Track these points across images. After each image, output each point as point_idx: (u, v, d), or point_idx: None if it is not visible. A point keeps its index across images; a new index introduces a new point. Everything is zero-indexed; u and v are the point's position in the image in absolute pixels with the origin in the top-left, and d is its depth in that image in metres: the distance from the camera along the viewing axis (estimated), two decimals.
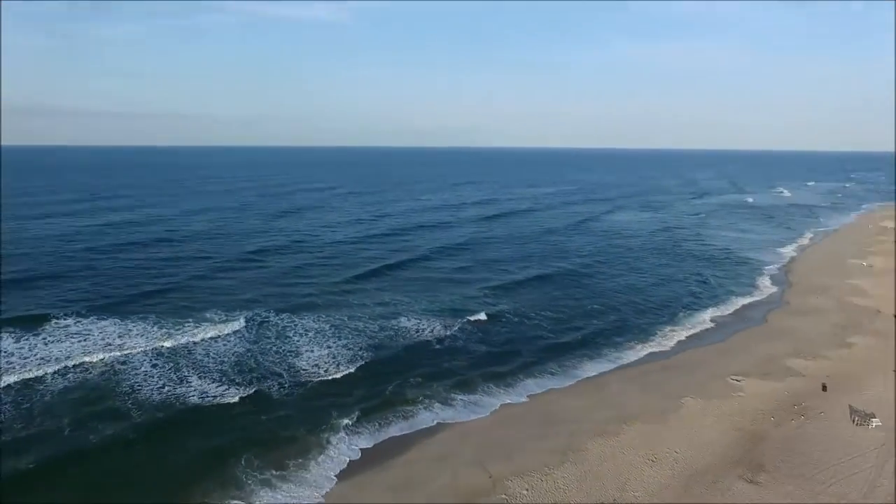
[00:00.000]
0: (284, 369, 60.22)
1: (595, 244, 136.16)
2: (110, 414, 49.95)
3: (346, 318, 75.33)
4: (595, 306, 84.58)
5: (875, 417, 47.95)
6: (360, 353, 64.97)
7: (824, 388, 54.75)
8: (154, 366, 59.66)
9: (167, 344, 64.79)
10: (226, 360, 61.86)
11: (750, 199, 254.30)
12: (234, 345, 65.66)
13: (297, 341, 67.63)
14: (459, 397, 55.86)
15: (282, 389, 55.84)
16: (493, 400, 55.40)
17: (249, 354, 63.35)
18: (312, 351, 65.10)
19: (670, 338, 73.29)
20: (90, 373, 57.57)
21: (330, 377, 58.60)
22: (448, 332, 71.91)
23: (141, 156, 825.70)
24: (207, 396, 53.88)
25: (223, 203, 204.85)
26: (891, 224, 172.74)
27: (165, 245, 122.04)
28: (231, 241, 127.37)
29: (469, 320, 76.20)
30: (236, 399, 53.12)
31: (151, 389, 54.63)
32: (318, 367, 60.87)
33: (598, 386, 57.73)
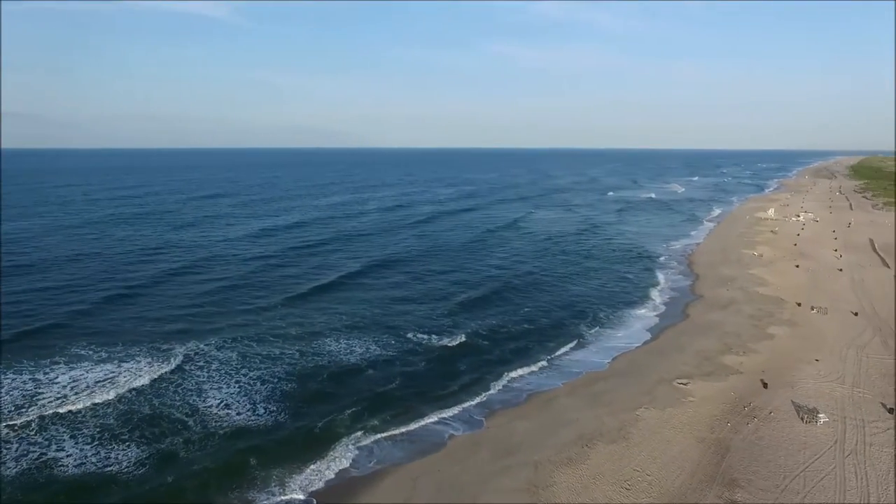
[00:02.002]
0: (188, 414, 50.41)
1: (514, 247, 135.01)
2: None
3: (261, 345, 66.01)
4: (522, 312, 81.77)
5: (820, 413, 48.34)
6: (279, 385, 56.45)
7: (764, 385, 55.10)
8: (13, 428, 47.28)
9: (31, 400, 52.17)
10: (115, 413, 50.65)
11: (653, 195, 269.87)
12: (127, 392, 54.27)
13: (205, 378, 57.49)
14: (402, 430, 49.57)
15: (189, 444, 46.26)
16: (441, 429, 49.76)
17: (145, 403, 52.50)
18: (221, 388, 55.48)
19: (603, 340, 72.10)
20: None
21: (245, 420, 49.74)
22: (381, 354, 65.17)
23: None
24: (89, 464, 43.11)
25: (90, 216, 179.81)
26: (763, 215, 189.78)
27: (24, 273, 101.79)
28: (113, 264, 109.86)
29: (403, 338, 69.94)
30: (128, 464, 42.94)
31: (12, 460, 42.77)
32: (230, 409, 51.64)
33: (546, 402, 54.04)
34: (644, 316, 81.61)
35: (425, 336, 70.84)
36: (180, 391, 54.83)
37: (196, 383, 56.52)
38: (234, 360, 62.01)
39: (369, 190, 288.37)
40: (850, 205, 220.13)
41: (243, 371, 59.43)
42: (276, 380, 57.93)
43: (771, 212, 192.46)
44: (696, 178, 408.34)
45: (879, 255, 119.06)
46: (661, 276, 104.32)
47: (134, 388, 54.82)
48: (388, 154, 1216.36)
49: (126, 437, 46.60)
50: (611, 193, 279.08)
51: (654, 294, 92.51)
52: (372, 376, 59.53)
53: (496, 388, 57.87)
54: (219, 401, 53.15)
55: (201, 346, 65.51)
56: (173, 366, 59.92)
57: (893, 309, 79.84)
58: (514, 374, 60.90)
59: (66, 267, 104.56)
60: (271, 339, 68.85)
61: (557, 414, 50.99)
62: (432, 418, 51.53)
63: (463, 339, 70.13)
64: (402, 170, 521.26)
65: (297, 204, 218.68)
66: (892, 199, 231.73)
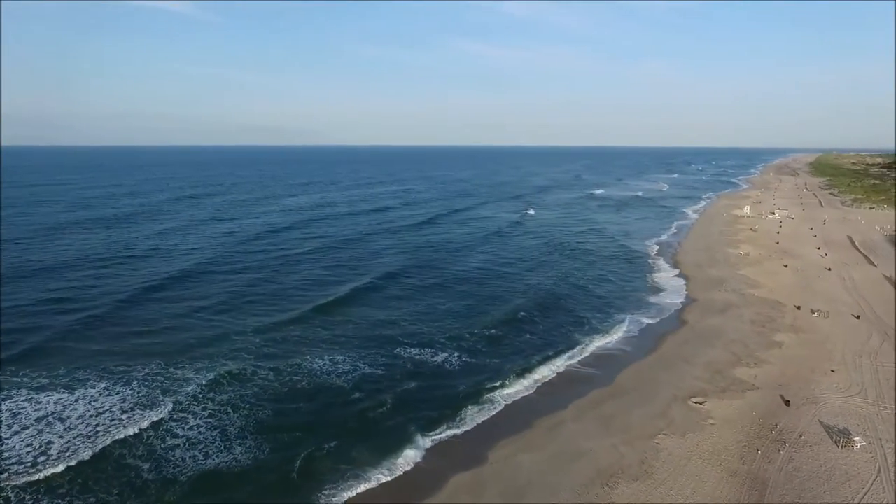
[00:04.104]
0: (145, 457, 42.93)
1: (506, 249, 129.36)
2: None
3: (234, 363, 58.34)
4: (517, 321, 75.91)
5: (855, 436, 44.12)
6: (254, 412, 49.32)
7: (786, 402, 50.79)
8: None
9: None
10: (54, 455, 42.72)
11: (640, 193, 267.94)
12: (71, 431, 46.28)
13: (170, 409, 49.73)
14: (393, 468, 43.08)
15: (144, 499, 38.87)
16: (439, 464, 43.48)
17: (87, 445, 44.63)
18: (187, 421, 47.96)
19: (603, 349, 66.99)
20: None
21: (216, 464, 42.52)
22: (368, 372, 58.47)
23: None
24: None
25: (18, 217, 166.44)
26: (739, 212, 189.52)
27: None
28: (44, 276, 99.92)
29: (391, 354, 63.31)
30: None
31: None
32: (196, 449, 44.27)
33: (553, 429, 48.42)
34: (641, 322, 76.95)
35: (416, 351, 64.51)
36: (138, 427, 47.12)
37: (159, 417, 48.83)
38: (203, 384, 54.45)
39: (336, 190, 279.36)
40: (820, 202, 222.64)
41: (212, 396, 52.13)
42: (249, 406, 50.91)
43: (746, 209, 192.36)
44: (675, 176, 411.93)
45: (862, 253, 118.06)
46: (652, 279, 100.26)
47: (78, 427, 46.85)
48: (355, 153, 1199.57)
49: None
50: (599, 191, 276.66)
51: (649, 298, 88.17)
52: (358, 400, 52.92)
53: (496, 409, 52.06)
54: (183, 438, 45.80)
55: (166, 370, 57.70)
56: (132, 395, 52.07)
57: (894, 312, 77.32)
58: (513, 393, 55.20)
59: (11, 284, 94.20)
60: (245, 356, 61.50)
61: (567, 443, 45.42)
62: (427, 449, 45.31)
63: (456, 353, 64.06)
64: (379, 169, 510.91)
65: (267, 208, 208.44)
66: (860, 196, 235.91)
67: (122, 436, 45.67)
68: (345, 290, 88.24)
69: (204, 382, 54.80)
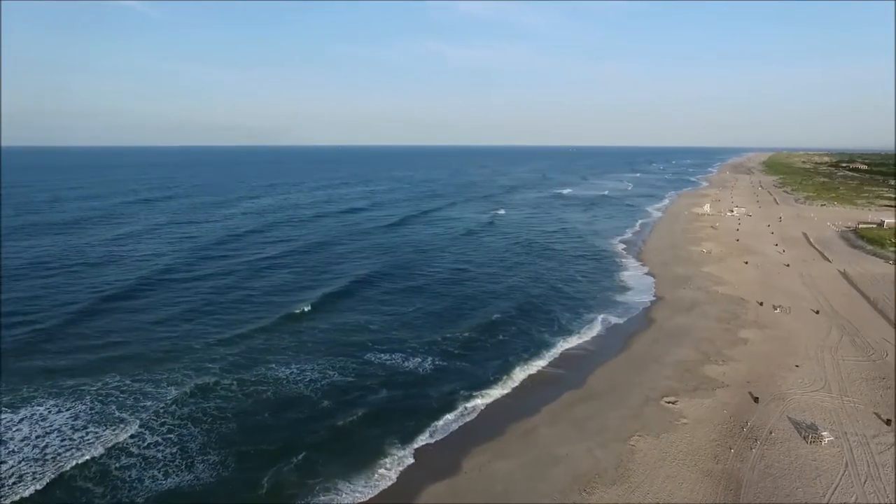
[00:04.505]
0: (97, 480, 40.24)
1: (474, 250, 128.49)
2: None
3: (198, 375, 55.72)
4: (487, 322, 75.16)
5: (822, 431, 44.83)
6: (217, 426, 47.00)
7: (755, 399, 51.45)
8: None
9: None
10: None
11: (606, 192, 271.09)
12: (13, 455, 43.06)
13: (126, 424, 46.97)
14: (365, 482, 41.59)
15: None
16: (413, 476, 42.11)
17: (35, 464, 41.63)
18: (144, 437, 45.33)
19: (574, 350, 66.95)
20: None
21: (176, 483, 40.18)
22: (337, 380, 56.64)
23: None
24: None
25: None
26: (699, 210, 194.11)
27: None
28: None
29: (360, 360, 61.51)
30: None
31: None
32: (156, 468, 41.82)
33: (527, 434, 47.71)
34: (610, 321, 77.27)
35: (387, 357, 63.01)
36: (90, 446, 44.27)
37: (113, 435, 46.03)
38: (161, 398, 51.77)
39: (298, 191, 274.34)
40: (775, 199, 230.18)
41: (172, 410, 49.58)
42: (211, 419, 48.59)
43: (707, 207, 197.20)
44: (638, 175, 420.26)
45: (817, 250, 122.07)
46: (620, 278, 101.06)
47: (23, 450, 43.69)
48: (319, 153, 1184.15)
49: None
50: (567, 191, 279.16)
51: (617, 297, 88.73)
52: (328, 410, 51.14)
53: (469, 416, 51.13)
54: (140, 457, 43.22)
55: (122, 384, 54.67)
56: (85, 412, 48.99)
57: (850, 306, 79.82)
58: (486, 398, 54.34)
59: None
60: (206, 367, 58.89)
61: (542, 449, 44.75)
62: (400, 460, 43.96)
63: (429, 358, 62.87)
64: (345, 170, 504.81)
65: (229, 211, 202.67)
66: (812, 194, 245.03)
67: (72, 457, 42.81)
68: (312, 296, 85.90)
69: (162, 396, 52.18)
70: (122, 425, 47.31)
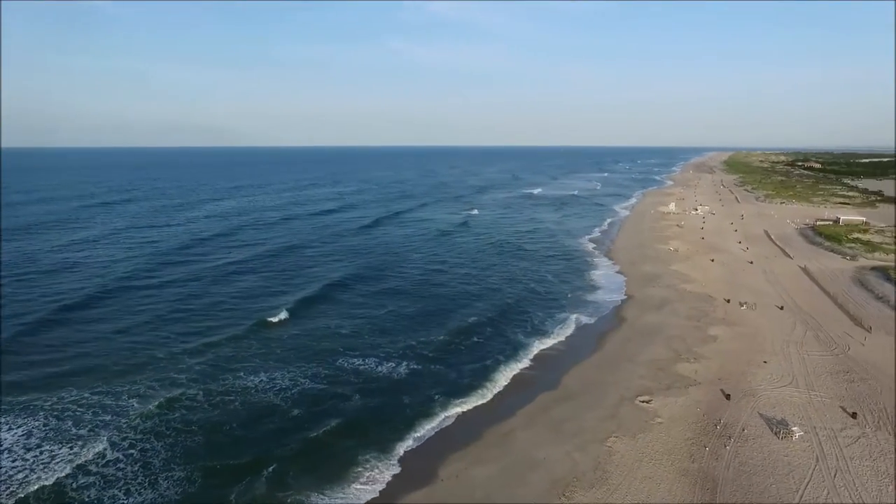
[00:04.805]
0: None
1: (447, 250, 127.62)
2: None
3: (162, 386, 53.33)
4: (461, 324, 74.60)
5: (793, 426, 45.60)
6: (182, 440, 45.02)
7: (727, 396, 52.06)
8: None
9: None
10: None
11: (576, 192, 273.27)
12: None
13: (84, 441, 44.49)
14: (338, 489, 40.34)
15: None
16: (388, 486, 41.10)
17: None
18: (105, 454, 43.05)
19: (547, 350, 66.98)
20: None
21: (139, 500, 38.24)
22: (308, 387, 55.06)
23: None
24: None
25: None
26: (665, 209, 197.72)
27: None
28: None
29: (333, 366, 60.02)
30: None
31: None
32: (117, 487, 39.68)
33: (504, 438, 47.18)
34: (582, 321, 77.56)
35: (360, 362, 61.75)
36: (45, 465, 41.76)
37: (70, 452, 43.59)
38: (122, 412, 49.38)
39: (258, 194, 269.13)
40: (737, 198, 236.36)
41: (134, 425, 47.33)
42: (175, 433, 46.58)
43: (672, 206, 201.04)
44: (605, 174, 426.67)
45: (779, 246, 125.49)
46: (590, 277, 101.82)
47: None
48: (285, 154, 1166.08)
49: None
50: (537, 191, 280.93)
51: (589, 296, 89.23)
52: (299, 419, 49.64)
53: (444, 422, 50.34)
54: (98, 475, 41.00)
55: (80, 397, 52.01)
56: (38, 429, 46.28)
57: (812, 301, 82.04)
58: (461, 402, 53.60)
59: None
60: (170, 378, 56.60)
61: (520, 453, 44.27)
62: (376, 470, 42.84)
63: (403, 362, 61.82)
64: (314, 171, 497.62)
65: (192, 214, 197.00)
66: (771, 192, 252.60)
67: (25, 478, 40.32)
68: (282, 301, 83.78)
69: (123, 410, 49.85)
70: (79, 442, 44.92)
